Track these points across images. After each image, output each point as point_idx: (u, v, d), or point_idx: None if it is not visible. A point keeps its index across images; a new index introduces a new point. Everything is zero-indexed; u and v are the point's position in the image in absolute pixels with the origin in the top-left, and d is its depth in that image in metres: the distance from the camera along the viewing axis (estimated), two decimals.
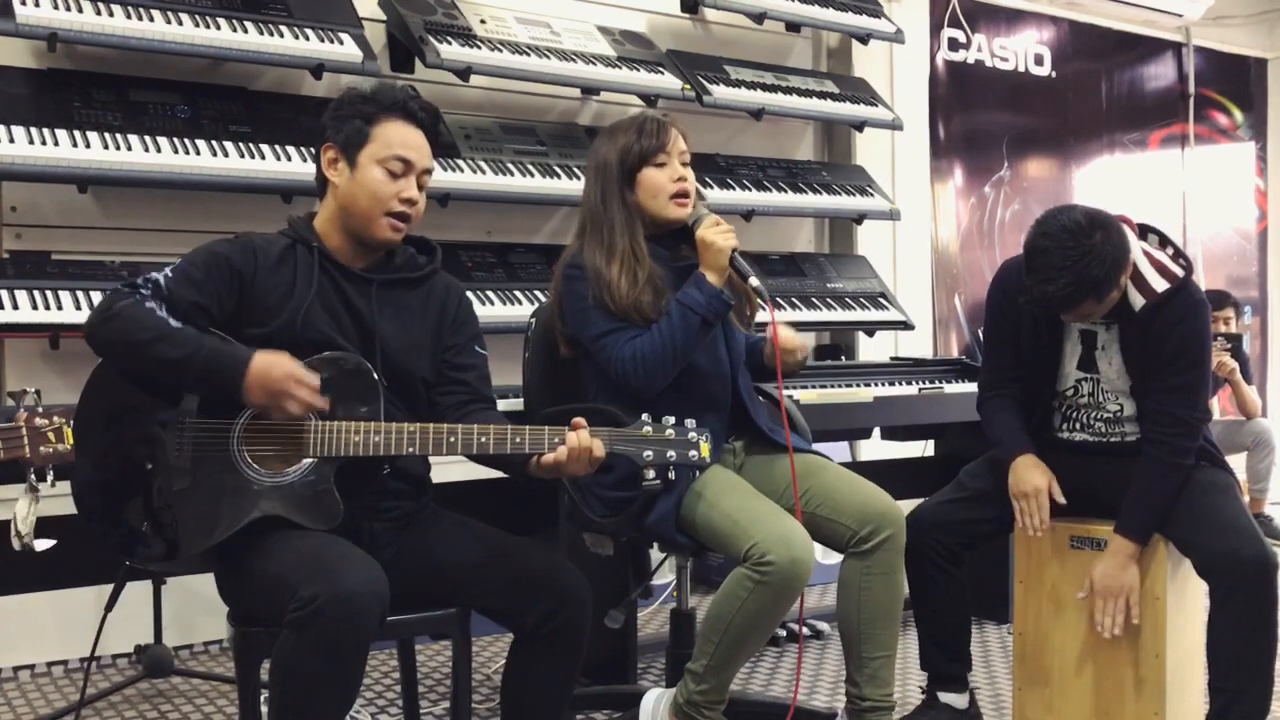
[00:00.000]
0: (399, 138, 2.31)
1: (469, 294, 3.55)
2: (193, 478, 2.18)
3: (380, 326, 2.31)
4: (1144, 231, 2.75)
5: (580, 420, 2.23)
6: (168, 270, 2.24)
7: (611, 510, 2.64)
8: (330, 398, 2.19)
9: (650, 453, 2.23)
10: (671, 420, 2.26)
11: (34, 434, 1.93)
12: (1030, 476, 2.77)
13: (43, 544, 2.11)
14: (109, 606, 2.98)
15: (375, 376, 2.24)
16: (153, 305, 2.17)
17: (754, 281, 2.55)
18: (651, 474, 2.24)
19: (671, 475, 2.27)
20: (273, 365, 2.13)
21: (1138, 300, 2.68)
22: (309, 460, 2.19)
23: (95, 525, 2.21)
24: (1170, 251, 2.72)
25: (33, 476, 1.97)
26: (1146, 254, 2.69)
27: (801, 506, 2.60)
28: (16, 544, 2.06)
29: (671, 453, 2.24)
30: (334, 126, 2.34)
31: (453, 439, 2.20)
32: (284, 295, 2.26)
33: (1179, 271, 2.69)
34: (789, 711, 2.78)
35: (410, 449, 2.20)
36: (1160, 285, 2.66)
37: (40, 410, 1.97)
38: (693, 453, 2.25)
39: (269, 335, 2.23)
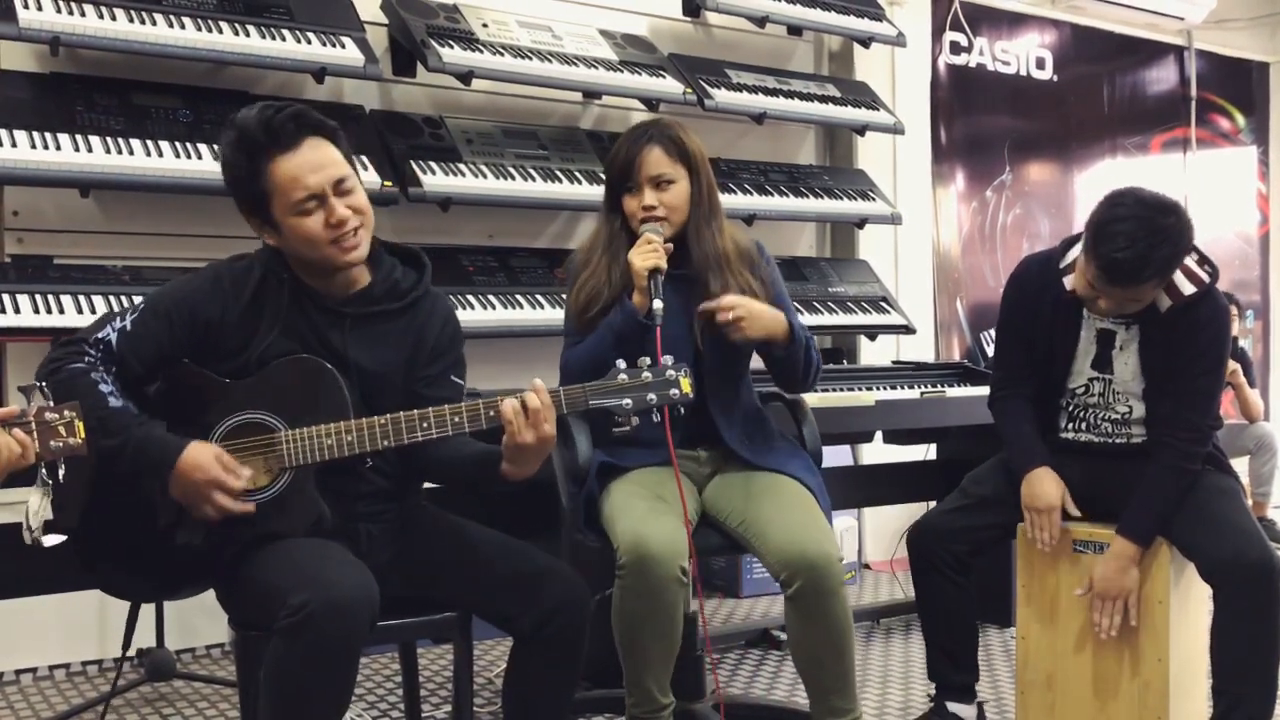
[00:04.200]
0: (289, 175, 2.16)
1: (469, 297, 3.61)
2: (175, 507, 2.16)
3: (354, 359, 2.26)
4: None
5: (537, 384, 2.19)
6: (127, 321, 2.17)
7: (569, 506, 2.71)
8: (290, 410, 2.17)
9: (629, 400, 2.20)
10: (648, 362, 2.23)
11: (44, 428, 1.92)
12: (1044, 491, 2.77)
13: (51, 539, 2.10)
14: (126, 644, 2.98)
15: (336, 374, 2.20)
16: (98, 376, 2.11)
17: (656, 304, 2.52)
18: (635, 420, 2.22)
19: (656, 418, 2.24)
20: (197, 468, 2.09)
21: (1164, 302, 2.68)
22: (287, 470, 2.18)
23: (90, 568, 2.20)
24: (1196, 257, 2.73)
25: (44, 471, 1.96)
26: None
27: (741, 532, 2.60)
28: (28, 538, 2.05)
29: (652, 395, 2.20)
30: (236, 196, 2.23)
31: (425, 424, 2.16)
32: (249, 333, 2.21)
33: (1205, 277, 2.69)
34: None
35: (385, 442, 2.16)
36: (1188, 289, 2.67)
37: (50, 405, 1.96)
38: (674, 390, 2.21)
39: (232, 371, 2.21)
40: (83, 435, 1.94)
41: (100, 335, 2.16)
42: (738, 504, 2.63)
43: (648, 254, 2.57)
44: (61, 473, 1.97)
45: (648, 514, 2.48)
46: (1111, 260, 2.55)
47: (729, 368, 2.72)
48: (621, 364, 2.23)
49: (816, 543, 2.48)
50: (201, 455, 2.11)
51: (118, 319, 2.18)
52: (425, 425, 2.17)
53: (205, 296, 2.21)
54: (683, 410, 2.28)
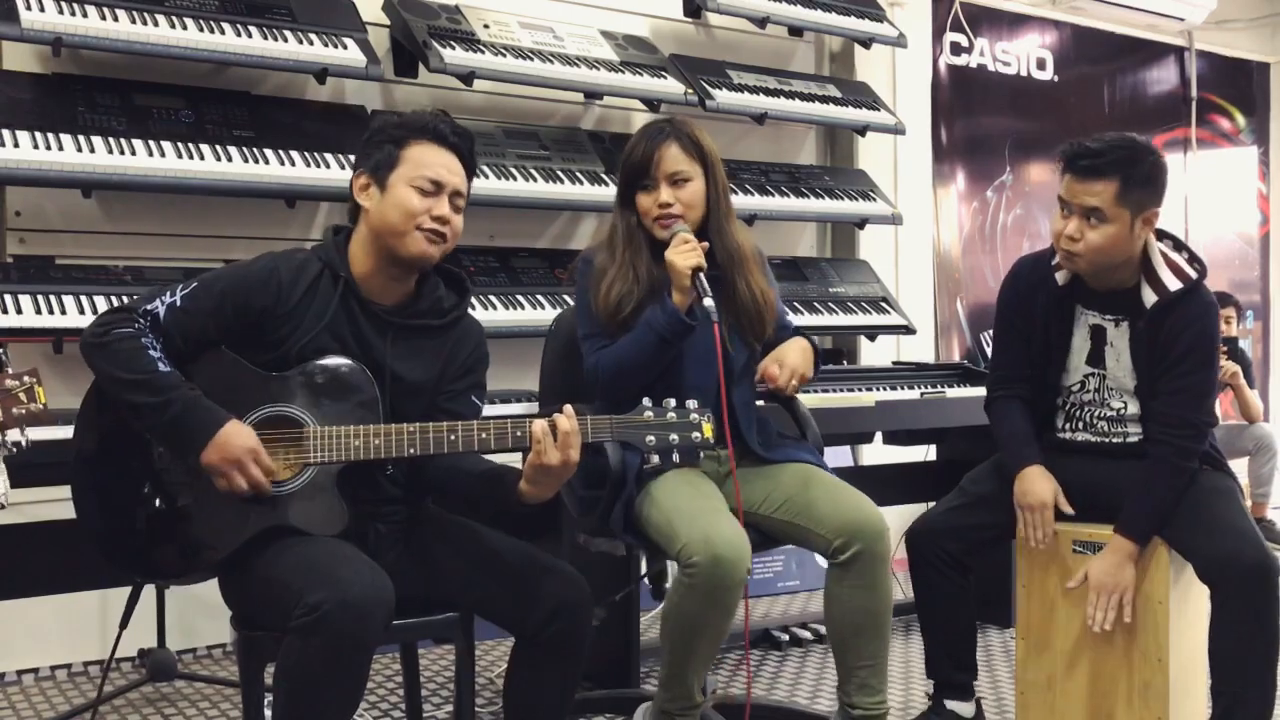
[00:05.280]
0: (428, 159, 2.29)
1: (471, 297, 3.61)
2: (195, 493, 2.18)
3: (392, 367, 2.30)
4: (1159, 235, 2.77)
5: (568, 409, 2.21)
6: (177, 296, 2.21)
7: (584, 509, 2.69)
8: (322, 409, 2.20)
9: (653, 437, 2.23)
10: (673, 403, 2.26)
11: (4, 395, 1.90)
12: (1036, 489, 2.77)
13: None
14: (123, 623, 2.99)
15: (371, 378, 2.24)
16: (147, 341, 2.16)
17: (707, 302, 2.54)
18: (656, 459, 2.24)
19: (676, 459, 2.26)
20: (239, 436, 2.13)
21: (1150, 297, 2.70)
22: (311, 466, 2.20)
23: (104, 547, 2.21)
24: (1186, 255, 2.74)
25: (5, 438, 1.93)
26: (1163, 254, 2.72)
27: (782, 515, 2.62)
28: None
29: (674, 435, 2.24)
30: (365, 154, 2.33)
31: (453, 437, 2.19)
32: (295, 327, 2.25)
33: (1193, 274, 2.70)
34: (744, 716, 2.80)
35: (411, 450, 2.19)
36: (1174, 285, 2.69)
37: (9, 371, 1.93)
38: (695, 434, 2.24)
39: (272, 361, 2.24)
40: (43, 400, 1.92)
41: (149, 307, 2.20)
42: (774, 490, 2.64)
43: (688, 253, 2.57)
44: (25, 440, 1.95)
45: (711, 515, 2.48)
46: (1077, 146, 2.66)
47: (747, 370, 2.75)
48: (647, 400, 2.26)
49: (869, 510, 2.56)
50: (244, 428, 2.15)
51: (168, 294, 2.22)
52: (453, 438, 2.19)
53: (260, 286, 2.25)
54: (701, 455, 2.30)
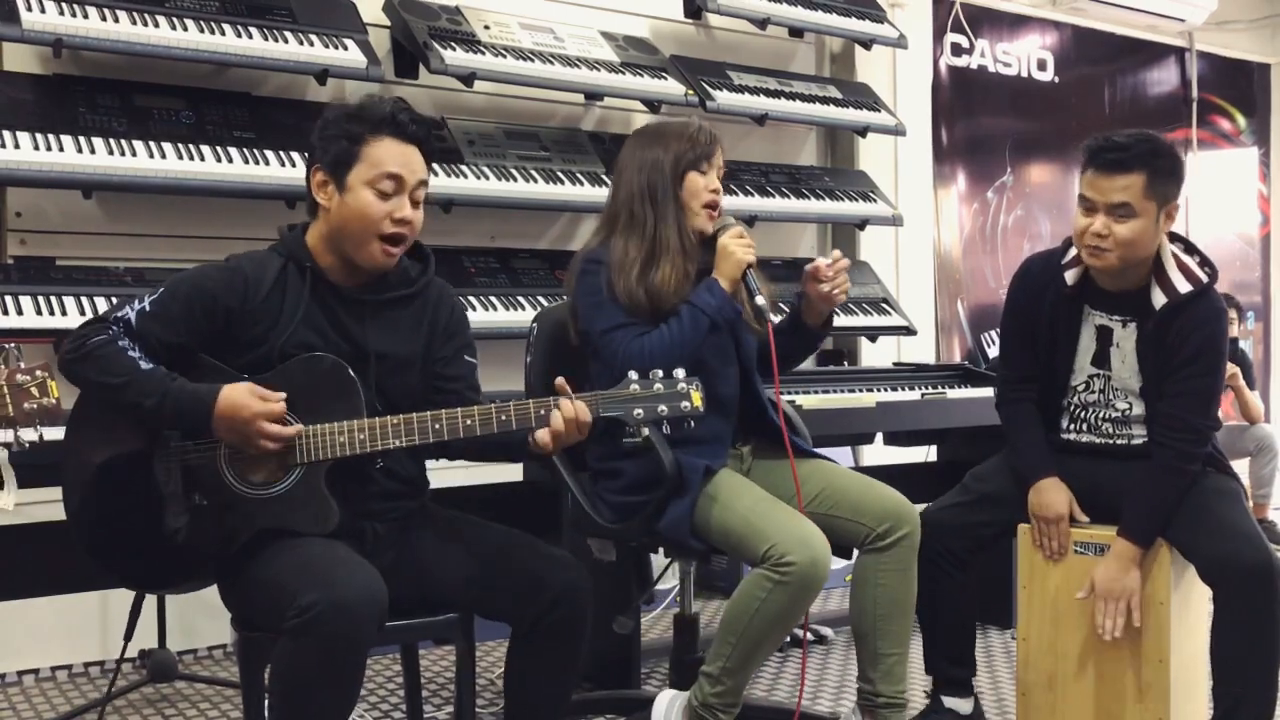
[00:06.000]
0: (388, 156, 2.24)
1: (471, 298, 3.62)
2: (186, 502, 2.18)
3: (374, 347, 2.29)
4: (1171, 237, 2.77)
5: (561, 382, 2.20)
6: (146, 303, 2.20)
7: (621, 515, 2.65)
8: (305, 409, 2.19)
9: (640, 410, 2.20)
10: (660, 374, 2.23)
11: (16, 391, 1.89)
12: (1053, 501, 2.78)
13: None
14: (128, 635, 2.98)
15: (351, 373, 2.22)
16: (125, 344, 2.15)
17: (760, 300, 2.56)
18: (645, 432, 2.23)
19: (666, 430, 2.24)
20: (238, 407, 2.12)
21: (1159, 299, 2.70)
22: (298, 467, 2.19)
23: (100, 561, 2.21)
24: (1197, 259, 2.74)
25: (19, 434, 1.93)
26: (1175, 256, 2.72)
27: (815, 508, 2.63)
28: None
29: (662, 406, 2.21)
30: (321, 147, 2.28)
31: (438, 425, 2.18)
32: (271, 323, 2.24)
33: (1204, 277, 2.70)
34: (794, 715, 2.80)
35: (397, 441, 2.18)
36: (1184, 287, 2.69)
37: (21, 365, 1.92)
38: (684, 403, 2.21)
39: (252, 362, 2.22)
40: (56, 394, 1.91)
41: (120, 314, 2.20)
42: (803, 485, 2.64)
43: (746, 248, 2.60)
44: (37, 436, 1.94)
45: (793, 515, 2.50)
46: (1102, 141, 2.66)
47: (764, 363, 2.75)
48: (633, 374, 2.24)
49: (902, 498, 2.65)
50: (236, 395, 2.13)
51: (138, 301, 2.21)
52: (438, 426, 2.18)
53: (225, 286, 2.23)
54: (692, 424, 2.27)
